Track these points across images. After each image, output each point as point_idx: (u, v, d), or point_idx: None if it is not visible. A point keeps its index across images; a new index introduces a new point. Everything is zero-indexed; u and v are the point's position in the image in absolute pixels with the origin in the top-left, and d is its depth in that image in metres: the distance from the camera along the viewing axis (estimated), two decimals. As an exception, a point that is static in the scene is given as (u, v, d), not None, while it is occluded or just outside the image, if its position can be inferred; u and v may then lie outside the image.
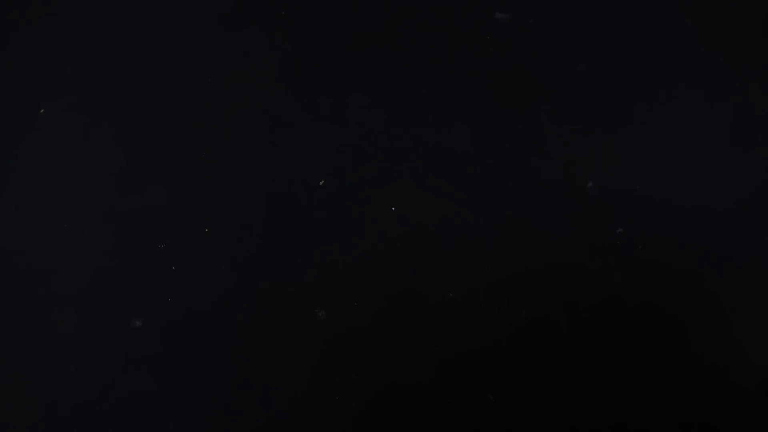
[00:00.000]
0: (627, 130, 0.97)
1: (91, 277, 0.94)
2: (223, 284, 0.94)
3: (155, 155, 0.97)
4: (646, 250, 0.94)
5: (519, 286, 0.93)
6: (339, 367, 0.92)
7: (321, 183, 0.96)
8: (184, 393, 0.92)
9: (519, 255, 0.94)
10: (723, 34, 0.99)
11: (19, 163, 0.97)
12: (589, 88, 0.98)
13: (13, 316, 0.94)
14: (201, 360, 0.93)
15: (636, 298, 0.93)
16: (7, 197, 0.96)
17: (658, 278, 0.93)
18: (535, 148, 0.97)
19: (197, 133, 0.98)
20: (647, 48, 0.99)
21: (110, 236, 0.95)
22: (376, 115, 0.98)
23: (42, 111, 0.98)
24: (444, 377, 0.92)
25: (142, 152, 0.97)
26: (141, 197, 0.96)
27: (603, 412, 0.91)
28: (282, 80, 0.99)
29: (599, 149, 0.97)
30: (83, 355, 0.93)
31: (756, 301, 0.93)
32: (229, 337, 0.93)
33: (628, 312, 0.93)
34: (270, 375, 0.92)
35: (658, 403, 0.91)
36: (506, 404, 0.91)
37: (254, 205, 0.96)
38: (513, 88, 0.98)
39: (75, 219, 0.95)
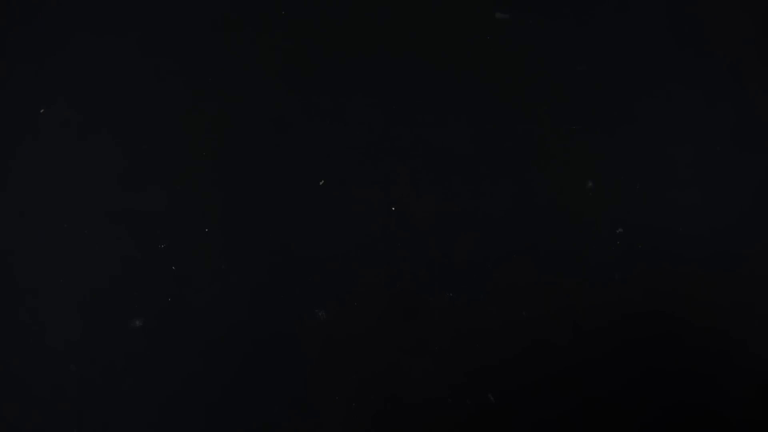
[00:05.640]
0: (627, 130, 0.97)
1: (92, 276, 0.94)
2: (223, 284, 0.94)
3: (155, 155, 0.97)
4: (646, 250, 0.94)
5: (519, 285, 0.93)
6: (339, 366, 0.92)
7: (321, 183, 0.96)
8: (184, 393, 0.92)
9: (519, 254, 0.94)
10: (723, 34, 0.99)
11: (19, 163, 0.97)
12: (589, 88, 0.98)
13: (14, 316, 0.94)
14: (201, 360, 0.92)
15: (636, 297, 0.93)
16: (7, 197, 0.96)
17: (657, 278, 0.93)
18: (535, 148, 0.97)
19: (197, 133, 0.98)
20: (647, 48, 0.99)
21: (110, 236, 0.95)
22: (376, 115, 0.98)
23: (42, 111, 0.98)
24: (444, 377, 0.92)
25: (141, 153, 0.97)
26: (141, 197, 0.96)
27: (603, 411, 0.91)
28: (282, 80, 0.99)
29: (599, 149, 0.97)
30: (83, 355, 0.93)
31: (756, 300, 0.93)
32: (229, 336, 0.93)
33: (627, 311, 0.92)
34: (270, 375, 0.92)
35: (657, 401, 0.91)
36: (506, 404, 0.91)
37: (254, 205, 0.96)
38: (513, 88, 0.98)
39: (75, 219, 0.95)
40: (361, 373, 0.92)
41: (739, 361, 0.92)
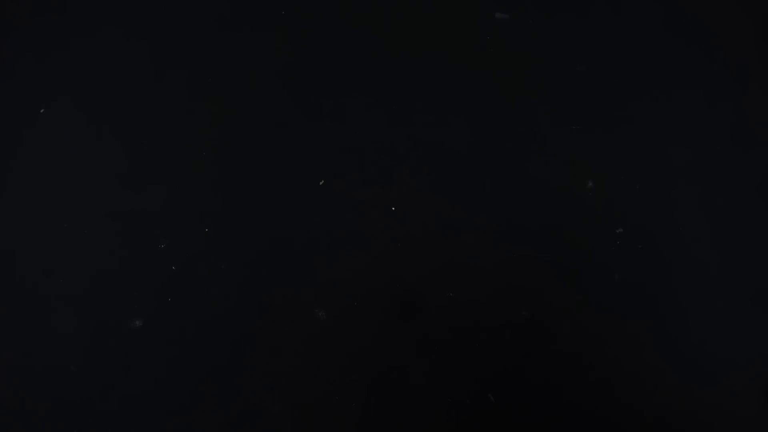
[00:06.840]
0: (627, 130, 0.97)
1: (91, 277, 0.94)
2: (222, 284, 0.94)
3: (155, 155, 0.97)
4: (646, 250, 0.94)
5: (519, 285, 0.93)
6: (339, 367, 0.92)
7: (321, 183, 0.96)
8: (184, 393, 0.92)
9: (519, 254, 0.94)
10: (723, 34, 0.99)
11: (19, 163, 0.97)
12: (589, 88, 0.98)
13: (13, 317, 0.94)
14: (201, 360, 0.93)
15: (636, 297, 0.93)
16: (7, 197, 0.96)
17: (657, 278, 0.93)
18: (535, 148, 0.97)
19: (197, 133, 0.98)
20: (647, 48, 0.99)
21: (110, 236, 0.95)
22: (376, 115, 0.98)
23: (42, 111, 0.98)
24: (444, 377, 0.92)
25: (142, 152, 0.97)
26: (141, 197, 0.96)
27: (602, 411, 0.91)
28: (282, 80, 0.99)
29: (599, 149, 0.97)
30: (83, 355, 0.93)
31: (756, 300, 0.93)
32: (229, 336, 0.93)
33: (627, 311, 0.93)
34: (270, 374, 0.92)
35: (657, 401, 0.91)
36: (506, 404, 0.91)
37: (254, 205, 0.96)
38: (513, 88, 0.98)
39: (75, 219, 0.95)
40: (361, 373, 0.92)
41: (739, 360, 0.92)
